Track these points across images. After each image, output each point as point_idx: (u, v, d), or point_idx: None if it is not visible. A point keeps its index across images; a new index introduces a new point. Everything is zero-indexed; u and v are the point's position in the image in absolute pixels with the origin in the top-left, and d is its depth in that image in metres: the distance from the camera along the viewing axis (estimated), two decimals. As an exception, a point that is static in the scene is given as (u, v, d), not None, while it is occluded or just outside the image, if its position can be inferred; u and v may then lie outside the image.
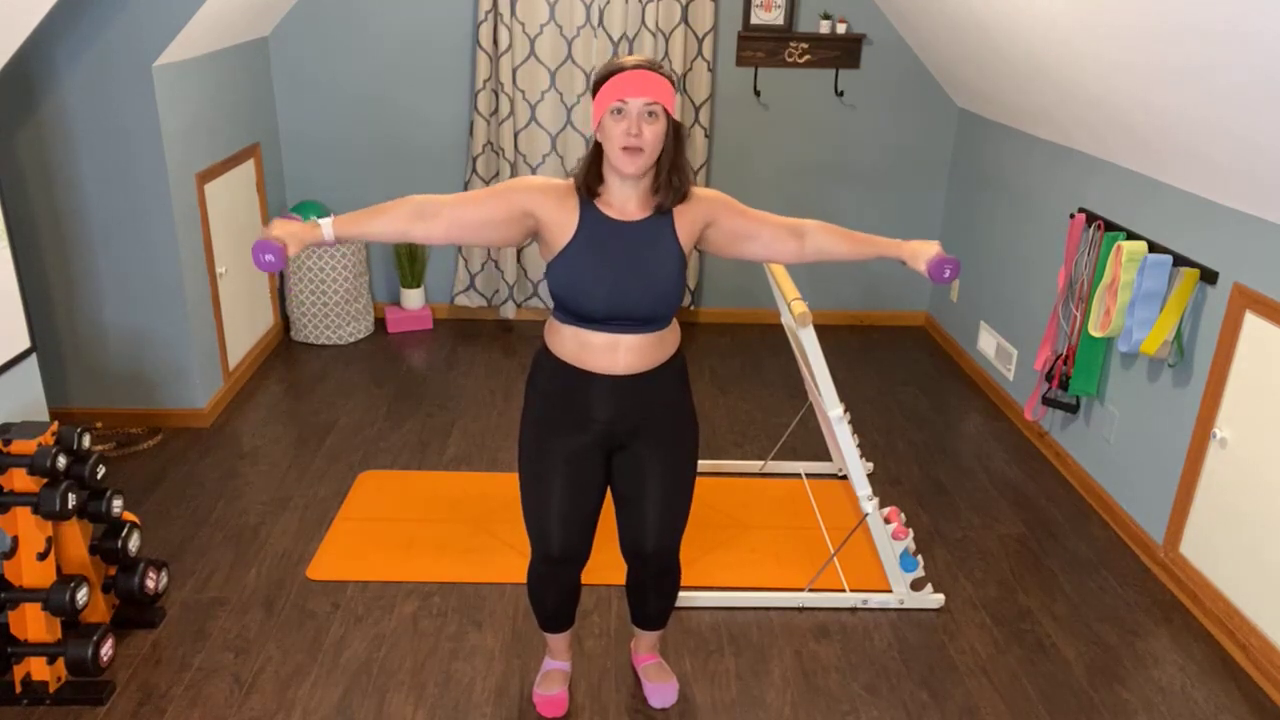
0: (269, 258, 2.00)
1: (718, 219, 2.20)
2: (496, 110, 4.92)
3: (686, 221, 2.16)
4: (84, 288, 3.85)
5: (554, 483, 2.27)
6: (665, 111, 2.04)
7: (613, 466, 2.32)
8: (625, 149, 2.03)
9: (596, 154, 2.10)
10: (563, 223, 2.12)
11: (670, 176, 2.11)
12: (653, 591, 2.52)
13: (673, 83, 2.08)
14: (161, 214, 3.77)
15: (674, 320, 2.27)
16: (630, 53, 4.84)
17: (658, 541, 2.36)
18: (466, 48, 4.92)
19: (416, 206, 2.11)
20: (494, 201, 2.13)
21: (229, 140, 4.33)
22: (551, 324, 2.24)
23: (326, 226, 2.06)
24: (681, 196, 2.14)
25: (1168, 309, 3.15)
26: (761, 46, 4.95)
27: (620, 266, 2.11)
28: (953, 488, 3.80)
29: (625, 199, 2.12)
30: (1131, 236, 3.43)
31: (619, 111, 2.02)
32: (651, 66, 2.04)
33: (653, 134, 2.03)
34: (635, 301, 2.12)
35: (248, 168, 4.54)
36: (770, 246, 2.24)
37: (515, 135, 4.96)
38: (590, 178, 2.12)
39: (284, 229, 2.03)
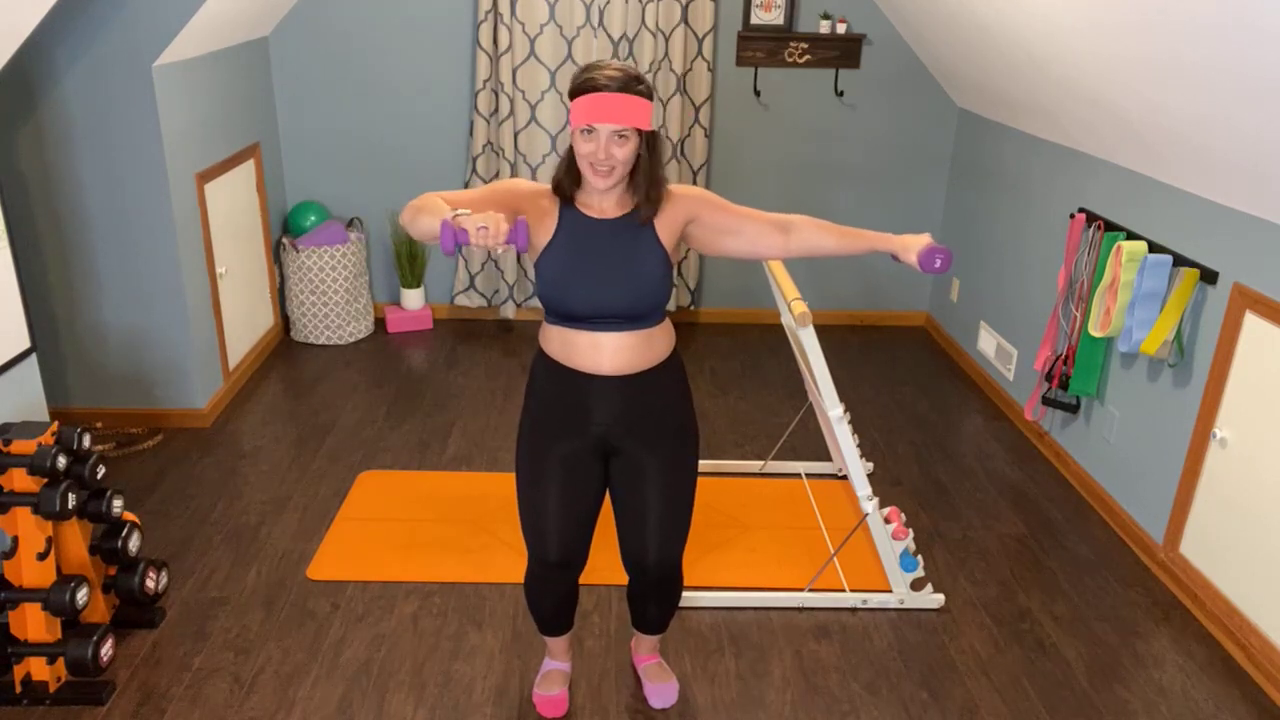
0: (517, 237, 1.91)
1: (699, 216, 2.19)
2: (496, 110, 4.92)
3: (666, 220, 2.16)
4: (84, 288, 3.85)
5: (550, 486, 2.27)
6: (637, 130, 2.03)
7: (611, 471, 2.32)
8: (594, 168, 2.05)
9: (572, 155, 2.11)
10: (544, 223, 2.15)
11: (648, 190, 2.10)
12: (654, 601, 2.52)
13: (649, 94, 2.04)
14: (161, 214, 3.77)
15: (666, 322, 2.26)
16: (630, 54, 4.84)
17: (659, 553, 2.35)
18: (466, 48, 4.92)
19: (423, 203, 2.11)
20: (490, 203, 2.14)
21: (229, 140, 4.33)
22: (543, 327, 2.26)
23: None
24: (658, 205, 2.13)
25: (1168, 309, 3.15)
26: (761, 46, 4.95)
27: (600, 263, 2.12)
28: (953, 488, 3.80)
29: (603, 198, 2.14)
30: (1131, 236, 3.43)
31: (588, 133, 2.02)
32: (625, 85, 2.00)
33: (623, 154, 2.03)
34: (617, 298, 2.12)
35: (248, 168, 4.54)
36: (754, 241, 2.23)
37: (515, 135, 4.96)
38: (568, 180, 2.14)
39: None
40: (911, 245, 2.19)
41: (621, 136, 2.02)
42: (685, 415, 2.32)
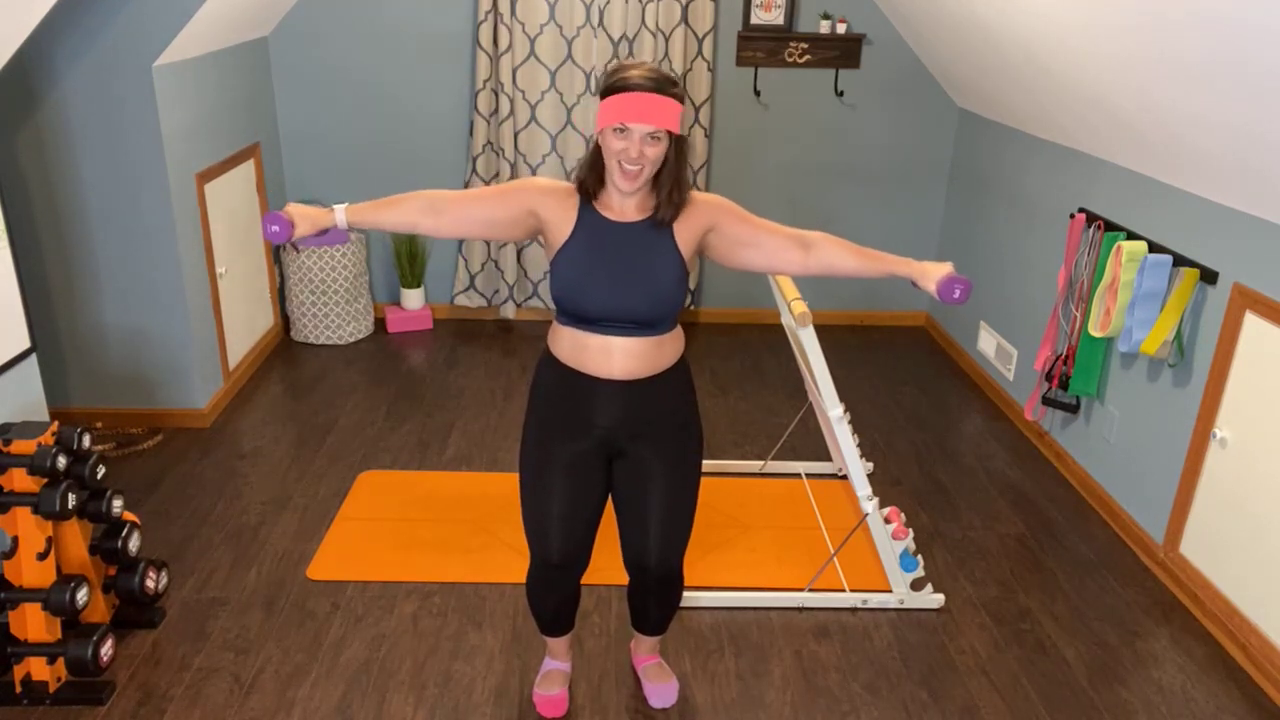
0: (274, 228, 2.06)
1: (719, 225, 2.17)
2: (496, 110, 4.92)
3: (686, 227, 2.14)
4: (84, 288, 3.85)
5: (554, 487, 2.26)
6: (669, 133, 2.03)
7: (614, 473, 2.31)
8: (624, 168, 2.03)
9: (598, 155, 2.09)
10: (562, 222, 2.13)
11: (671, 192, 2.10)
12: (655, 602, 2.52)
13: (681, 97, 2.04)
14: (161, 214, 3.77)
15: (678, 329, 2.25)
16: (630, 53, 4.84)
17: (660, 555, 2.35)
18: (466, 48, 4.92)
19: (427, 201, 2.13)
20: (500, 200, 2.14)
21: (229, 140, 4.33)
22: (553, 326, 2.24)
23: (340, 213, 2.11)
24: (679, 209, 2.13)
25: (1168, 309, 3.15)
26: (761, 46, 4.95)
27: (618, 267, 2.10)
28: (953, 488, 3.80)
29: (624, 201, 2.12)
30: (1131, 236, 3.43)
31: (621, 131, 2.01)
32: (660, 86, 1.99)
33: (653, 154, 2.03)
34: (633, 303, 2.11)
35: (248, 168, 4.54)
36: (773, 256, 2.20)
37: (515, 135, 4.96)
38: (591, 179, 2.12)
39: (298, 209, 2.10)
40: (931, 273, 2.17)
41: (654, 138, 2.01)
42: (690, 418, 2.32)
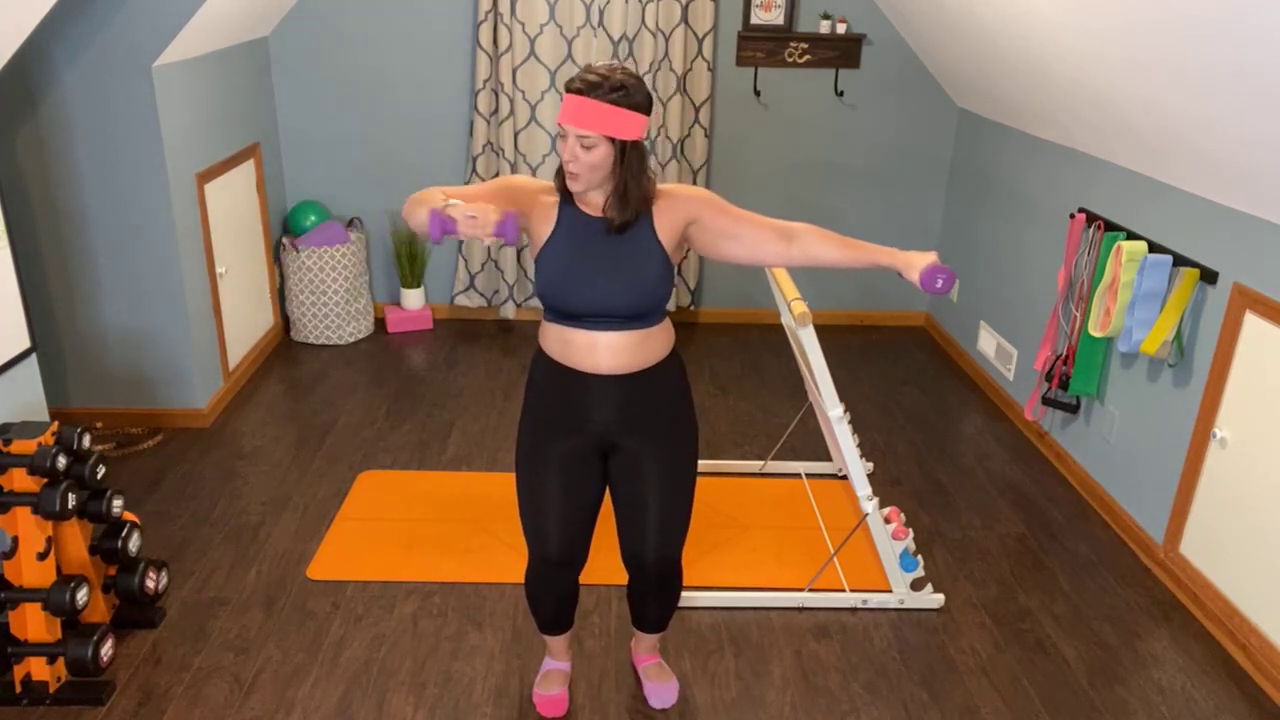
0: (507, 224, 1.93)
1: (700, 217, 2.18)
2: (496, 110, 4.92)
3: (666, 221, 2.15)
4: (84, 288, 3.85)
5: (550, 484, 2.27)
6: (608, 138, 2.02)
7: (610, 469, 2.32)
8: (567, 169, 2.06)
9: None
10: (543, 220, 2.16)
11: (618, 200, 2.09)
12: (654, 599, 2.52)
13: (628, 102, 2.01)
14: (161, 214, 3.77)
15: (666, 322, 2.26)
16: (630, 54, 4.84)
17: (658, 551, 2.35)
18: (466, 48, 4.92)
19: (422, 195, 2.11)
20: (490, 199, 2.14)
21: (229, 140, 4.33)
22: (542, 324, 2.26)
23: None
24: (633, 216, 2.11)
25: (1168, 309, 3.15)
26: (761, 46, 4.95)
27: (599, 262, 2.11)
28: (953, 488, 3.80)
29: (600, 198, 2.14)
30: (1131, 236, 3.43)
31: (562, 133, 2.04)
32: (592, 89, 1.99)
33: (590, 160, 2.03)
34: (615, 298, 2.12)
35: (248, 168, 4.54)
36: (754, 247, 2.20)
37: (515, 135, 4.96)
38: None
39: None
40: (915, 263, 2.17)
41: (586, 145, 2.02)
42: (683, 412, 2.32)
